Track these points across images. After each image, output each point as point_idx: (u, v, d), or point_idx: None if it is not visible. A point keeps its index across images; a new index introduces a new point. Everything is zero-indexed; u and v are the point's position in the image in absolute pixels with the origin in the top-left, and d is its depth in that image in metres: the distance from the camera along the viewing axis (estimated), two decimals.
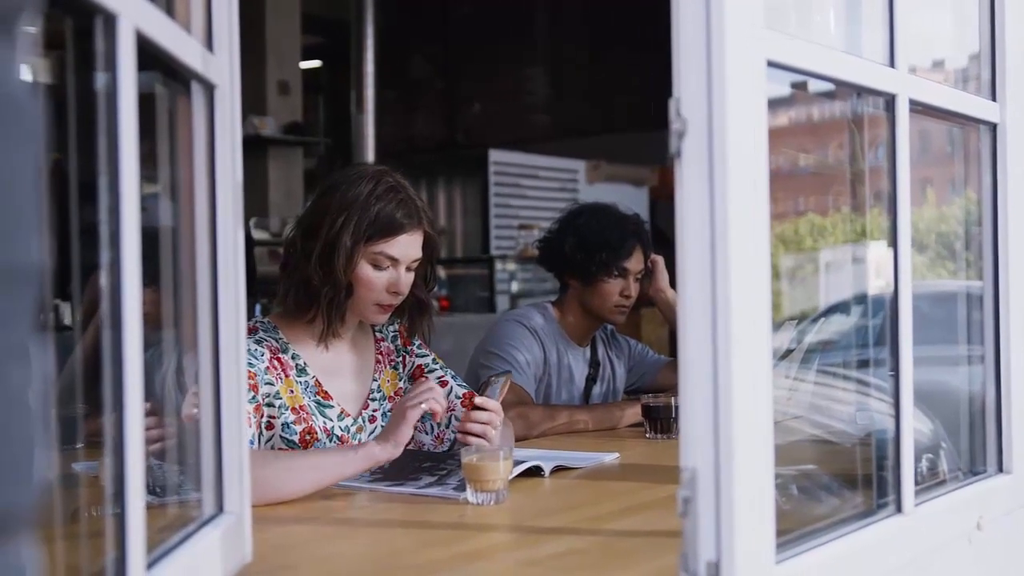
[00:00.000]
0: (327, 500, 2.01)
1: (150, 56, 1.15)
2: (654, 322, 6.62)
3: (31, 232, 0.61)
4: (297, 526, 1.89)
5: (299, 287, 2.29)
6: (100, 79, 1.05)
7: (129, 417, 1.05)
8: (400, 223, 2.27)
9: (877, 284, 1.91)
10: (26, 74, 0.63)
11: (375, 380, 2.44)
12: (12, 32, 0.61)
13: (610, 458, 2.46)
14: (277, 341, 2.29)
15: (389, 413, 2.39)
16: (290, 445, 2.23)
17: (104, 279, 1.04)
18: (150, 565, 1.12)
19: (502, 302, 7.69)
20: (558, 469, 2.28)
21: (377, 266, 2.27)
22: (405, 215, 2.27)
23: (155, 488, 1.41)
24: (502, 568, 1.62)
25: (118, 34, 1.04)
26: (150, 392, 1.12)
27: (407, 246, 2.29)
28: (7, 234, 0.60)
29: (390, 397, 2.44)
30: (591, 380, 3.25)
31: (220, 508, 1.43)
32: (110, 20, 1.03)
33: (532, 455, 2.28)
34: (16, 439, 0.60)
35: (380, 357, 2.47)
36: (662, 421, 2.76)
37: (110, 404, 1.04)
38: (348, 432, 2.34)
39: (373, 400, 2.42)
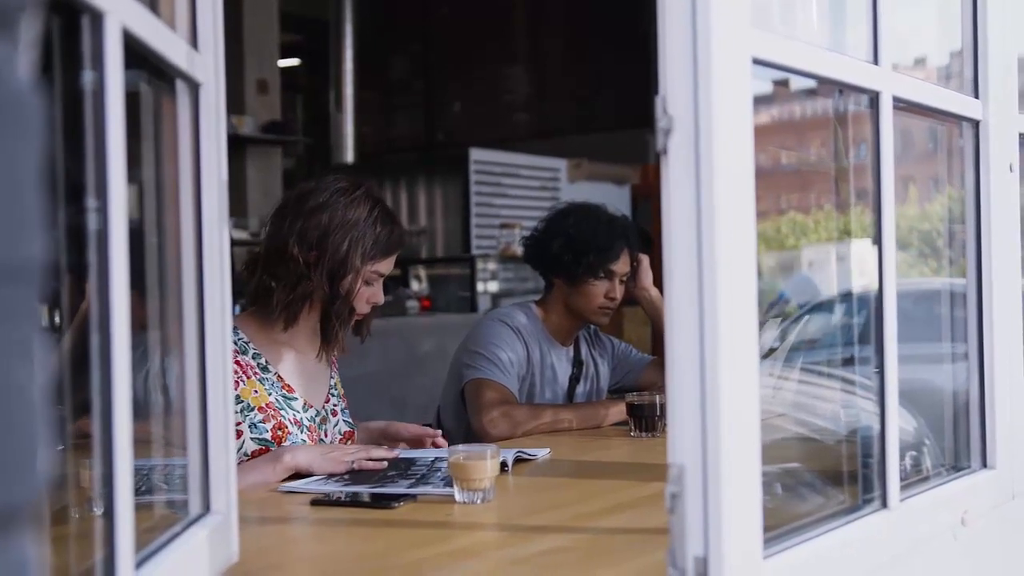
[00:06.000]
0: (313, 502, 2.00)
1: (135, 54, 1.15)
2: (636, 321, 6.63)
3: (34, 229, 0.62)
4: (284, 526, 1.89)
5: (301, 300, 2.37)
6: (87, 77, 1.04)
7: (117, 418, 1.04)
8: (397, 244, 2.44)
9: (860, 282, 1.92)
10: (27, 72, 0.63)
11: (332, 378, 2.57)
12: (14, 30, 0.61)
13: (542, 453, 2.48)
14: (236, 343, 2.32)
15: (345, 409, 2.57)
16: (263, 444, 2.28)
17: (91, 280, 1.03)
18: (138, 565, 1.12)
19: (483, 302, 7.68)
20: (519, 461, 2.34)
21: (367, 282, 2.41)
22: (400, 236, 2.45)
23: (139, 488, 1.40)
24: (490, 566, 1.62)
25: (105, 32, 1.03)
26: (133, 393, 1.12)
27: (393, 263, 2.47)
28: (12, 231, 0.60)
29: (342, 395, 2.59)
30: (575, 379, 3.25)
31: (207, 508, 1.42)
32: (97, 18, 1.02)
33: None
34: (21, 435, 0.60)
35: (333, 359, 2.59)
36: (647, 419, 2.76)
37: (98, 405, 1.04)
38: (314, 423, 2.44)
39: (333, 395, 2.55)
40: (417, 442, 2.52)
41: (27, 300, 0.61)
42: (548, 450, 2.51)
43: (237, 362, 2.31)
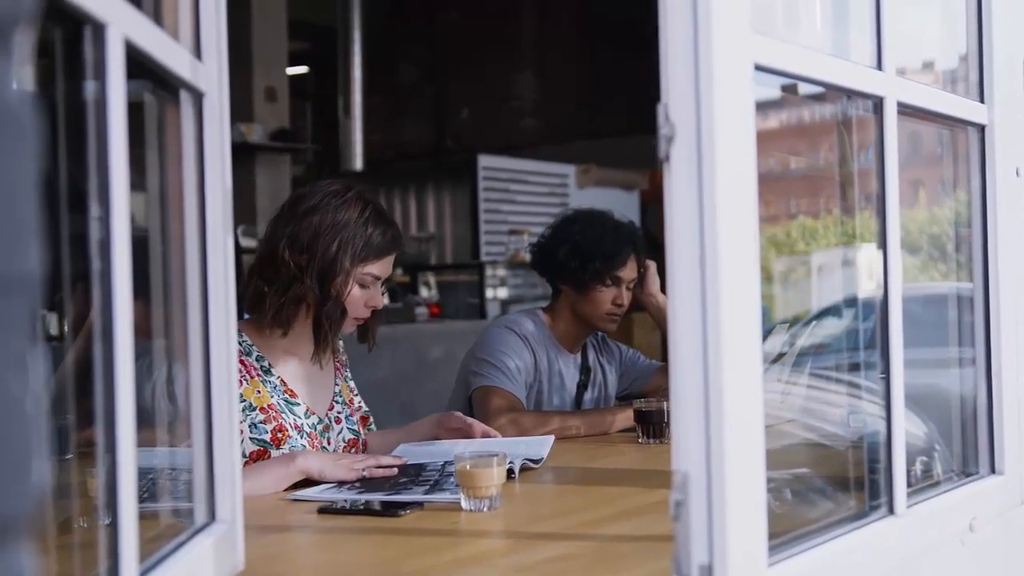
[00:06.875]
0: (320, 510, 2.00)
1: (138, 64, 1.15)
2: (645, 327, 6.62)
3: (29, 241, 0.62)
4: (289, 535, 1.89)
5: (293, 304, 2.37)
6: (89, 88, 1.04)
7: (121, 427, 1.05)
8: (390, 246, 2.43)
9: (869, 287, 1.91)
10: (23, 83, 0.63)
11: (336, 385, 2.57)
12: (8, 42, 0.61)
13: (547, 444, 2.51)
14: (240, 344, 2.33)
15: (351, 417, 2.56)
16: (261, 445, 2.29)
17: (94, 289, 1.04)
18: (143, 574, 1.12)
19: (492, 308, 7.68)
20: (525, 469, 2.33)
21: (362, 285, 2.41)
22: (393, 238, 2.44)
23: (143, 495, 1.40)
24: (496, 574, 1.62)
25: (107, 43, 1.03)
26: (140, 403, 1.12)
27: (390, 266, 2.46)
28: (7, 243, 0.60)
29: (348, 402, 2.58)
30: (582, 386, 3.25)
31: (212, 517, 1.42)
32: (99, 29, 1.03)
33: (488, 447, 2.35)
34: (15, 447, 0.60)
35: (338, 365, 2.60)
36: (654, 425, 2.76)
37: (102, 414, 1.04)
38: (316, 430, 2.44)
39: (337, 403, 2.55)
40: (466, 433, 2.57)
41: (23, 312, 0.61)
42: (552, 437, 2.56)
43: (241, 362, 2.33)
